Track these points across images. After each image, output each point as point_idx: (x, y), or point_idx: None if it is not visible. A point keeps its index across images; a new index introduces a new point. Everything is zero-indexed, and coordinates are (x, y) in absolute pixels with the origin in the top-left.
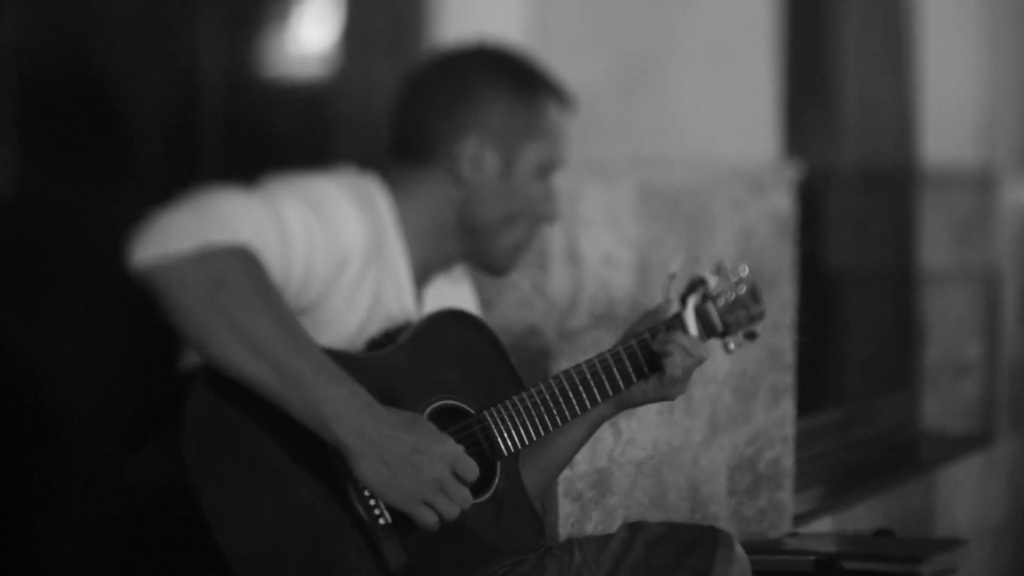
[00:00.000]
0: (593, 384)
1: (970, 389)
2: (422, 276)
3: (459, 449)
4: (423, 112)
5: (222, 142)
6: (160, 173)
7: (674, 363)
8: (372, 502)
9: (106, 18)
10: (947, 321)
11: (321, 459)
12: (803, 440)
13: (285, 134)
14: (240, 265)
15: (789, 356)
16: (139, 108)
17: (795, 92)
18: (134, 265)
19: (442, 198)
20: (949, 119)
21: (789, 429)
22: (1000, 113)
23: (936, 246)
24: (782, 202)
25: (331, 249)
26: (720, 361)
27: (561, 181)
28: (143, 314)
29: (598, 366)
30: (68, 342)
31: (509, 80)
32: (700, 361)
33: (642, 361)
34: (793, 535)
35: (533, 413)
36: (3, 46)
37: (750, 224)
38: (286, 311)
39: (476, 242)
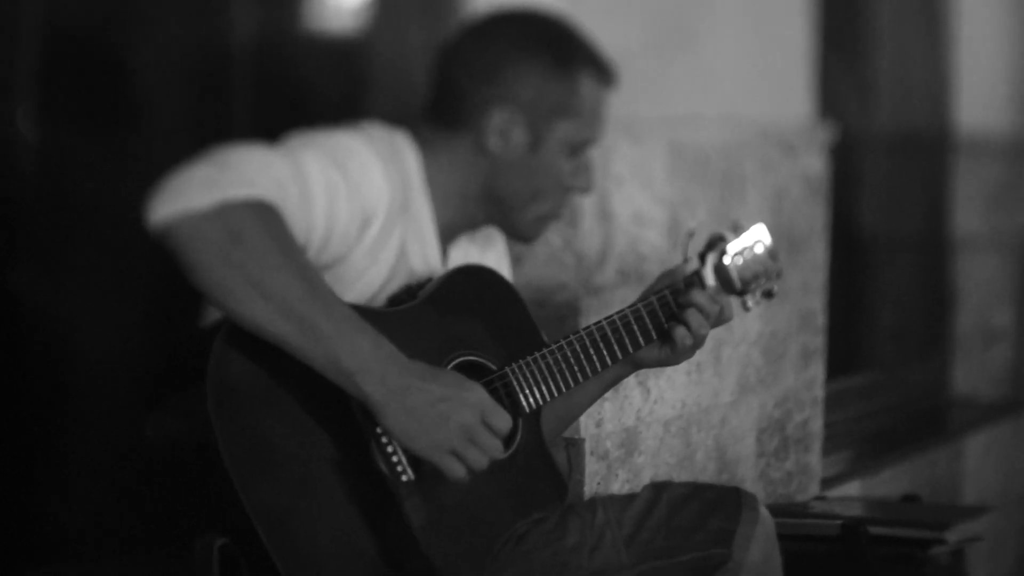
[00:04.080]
0: (614, 340)
1: (1000, 356)
2: (448, 234)
3: (489, 399)
4: (457, 77)
5: (254, 96)
6: (190, 128)
7: (699, 321)
8: (395, 459)
9: None
10: (978, 288)
11: (344, 415)
12: (832, 404)
13: (317, 89)
14: (258, 219)
15: (820, 318)
16: (169, 63)
17: (828, 53)
18: (152, 222)
19: (468, 165)
20: (983, 84)
21: (819, 392)
22: None
23: (968, 212)
24: (814, 164)
25: (354, 206)
26: (751, 322)
27: None
28: (164, 270)
29: (619, 323)
30: (88, 298)
31: (546, 54)
32: (717, 318)
33: (662, 318)
34: (820, 499)
35: (555, 369)
36: (27, 0)
37: (782, 185)
38: (306, 265)
39: (501, 211)
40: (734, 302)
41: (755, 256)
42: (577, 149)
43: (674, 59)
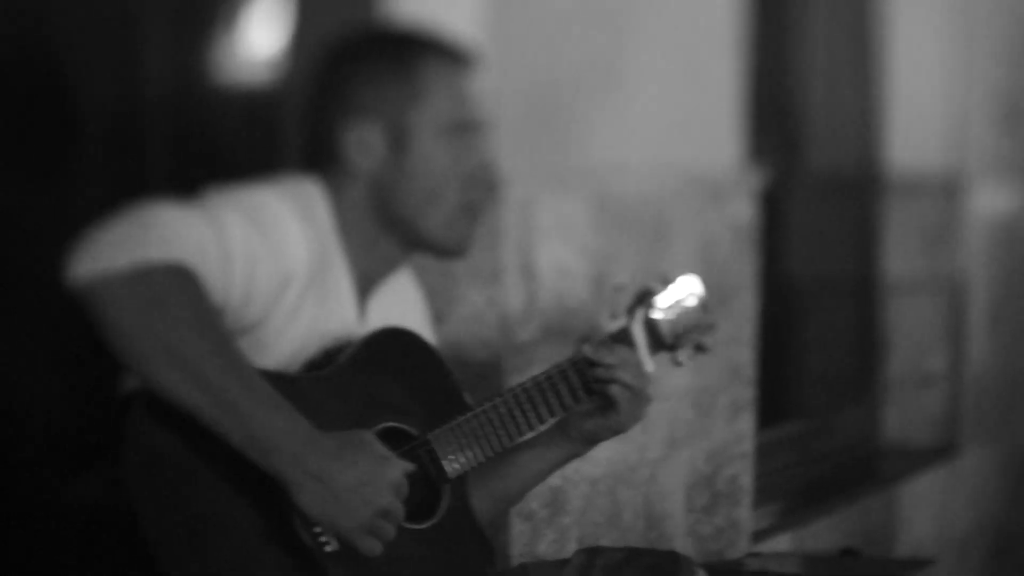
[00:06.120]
0: (540, 402)
1: (934, 401)
2: (366, 285)
3: (400, 474)
4: (310, 116)
5: (168, 149)
6: (104, 181)
7: (627, 375)
8: (317, 529)
9: (49, 21)
10: (911, 332)
11: (265, 485)
12: (762, 454)
13: (232, 141)
14: (177, 285)
15: (749, 370)
16: (83, 115)
17: (758, 97)
18: (71, 282)
19: (355, 197)
20: (917, 123)
21: (748, 445)
22: (970, 117)
23: (901, 255)
24: (743, 211)
25: (273, 267)
26: (679, 376)
27: (515, 191)
28: (85, 329)
29: (544, 383)
30: (6, 357)
31: (379, 56)
32: (641, 376)
33: (589, 376)
34: (754, 555)
35: (479, 434)
36: None
37: (710, 234)
38: (224, 335)
39: (407, 229)
40: (664, 357)
41: (686, 309)
42: (453, 133)
43: (599, 106)
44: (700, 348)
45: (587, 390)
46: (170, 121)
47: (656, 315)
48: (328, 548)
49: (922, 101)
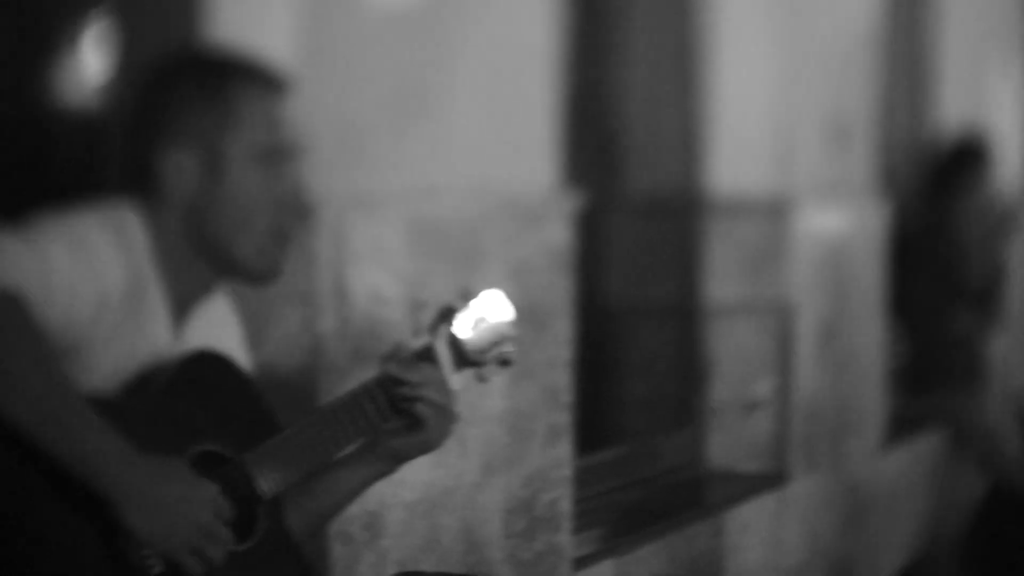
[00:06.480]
0: (348, 421)
1: (759, 426)
2: (182, 309)
3: (217, 493)
4: (128, 141)
5: (1, 173)
6: None
7: (431, 393)
8: (145, 551)
9: None
10: (735, 356)
11: (98, 506)
12: (583, 480)
13: (64, 165)
14: (4, 310)
15: (566, 395)
16: None
17: (575, 119)
18: None
19: (170, 221)
20: (741, 144)
21: (567, 470)
22: (797, 137)
23: (724, 278)
24: (559, 234)
25: (90, 292)
26: (494, 400)
27: (328, 214)
28: None
29: (351, 402)
30: None
31: (190, 79)
32: (446, 393)
33: (395, 395)
34: None
35: (291, 454)
36: None
37: (525, 258)
38: (49, 357)
39: (220, 255)
40: (471, 373)
41: (489, 324)
42: (266, 158)
43: (410, 130)
44: (505, 362)
45: (394, 408)
46: (2, 145)
47: (459, 331)
48: (154, 571)
49: (747, 121)
